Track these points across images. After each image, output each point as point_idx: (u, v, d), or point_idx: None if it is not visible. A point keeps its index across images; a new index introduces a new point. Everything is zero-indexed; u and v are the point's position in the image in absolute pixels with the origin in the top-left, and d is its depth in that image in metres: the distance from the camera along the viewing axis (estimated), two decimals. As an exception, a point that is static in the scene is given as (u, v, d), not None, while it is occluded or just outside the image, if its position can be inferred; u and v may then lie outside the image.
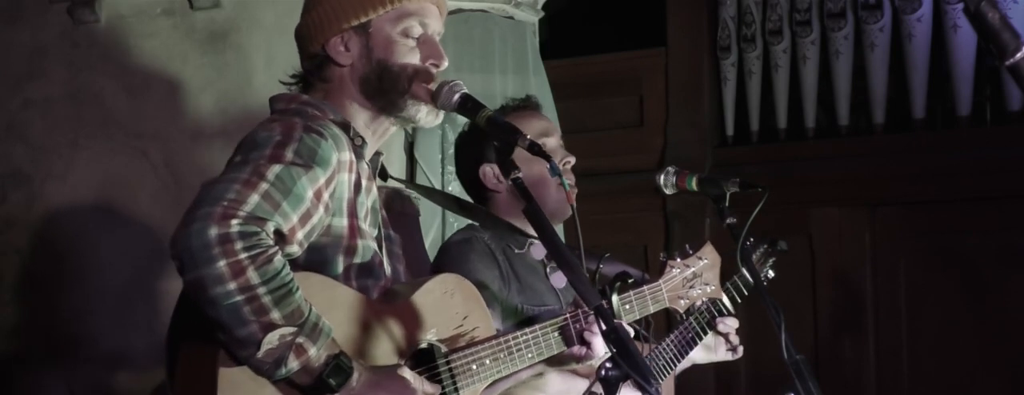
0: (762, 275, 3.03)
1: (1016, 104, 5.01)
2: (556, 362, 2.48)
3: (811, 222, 5.29)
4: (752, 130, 5.52)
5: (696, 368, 3.10)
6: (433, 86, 2.27)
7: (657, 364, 2.90)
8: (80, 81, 4.11)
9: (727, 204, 2.84)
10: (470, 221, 2.94)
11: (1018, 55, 1.58)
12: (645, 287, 2.57)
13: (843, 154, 5.28)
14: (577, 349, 2.38)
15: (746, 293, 3.01)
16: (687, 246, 2.74)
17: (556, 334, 2.35)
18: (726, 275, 2.92)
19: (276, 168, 2.06)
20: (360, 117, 2.30)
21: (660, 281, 2.61)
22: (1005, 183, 4.88)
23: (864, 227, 5.23)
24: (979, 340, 4.92)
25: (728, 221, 2.82)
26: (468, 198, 3.01)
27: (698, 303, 2.86)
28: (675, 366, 2.95)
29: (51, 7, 4.15)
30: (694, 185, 2.92)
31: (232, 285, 1.94)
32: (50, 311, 4.01)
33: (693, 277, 2.68)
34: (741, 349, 3.05)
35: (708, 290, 2.73)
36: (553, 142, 2.93)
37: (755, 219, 2.81)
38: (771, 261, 3.13)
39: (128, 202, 3.99)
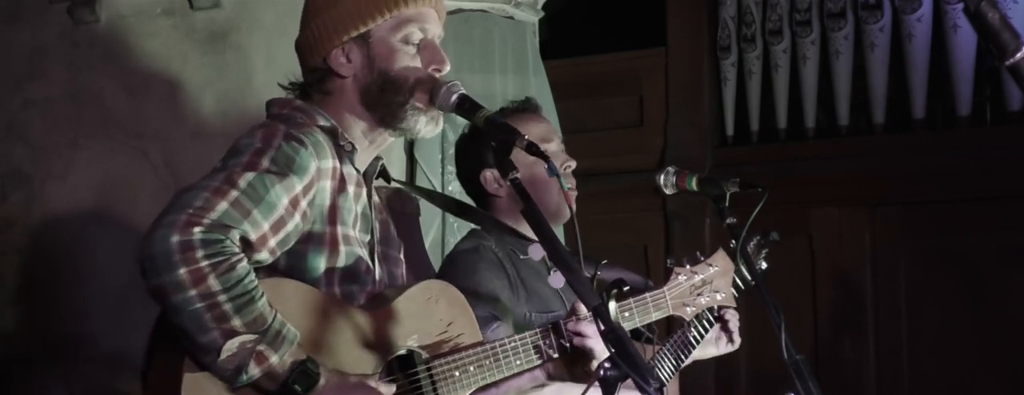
0: (756, 267, 3.03)
1: (1016, 104, 5.01)
2: (560, 373, 2.46)
3: (811, 222, 5.29)
4: (752, 130, 5.52)
5: (697, 368, 3.10)
6: (432, 91, 2.26)
7: (663, 366, 2.90)
8: (80, 81, 4.11)
9: (727, 204, 2.83)
10: (470, 223, 2.93)
11: (1018, 55, 1.58)
12: (647, 294, 2.54)
13: (843, 154, 5.28)
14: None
15: (742, 287, 3.01)
16: (698, 253, 2.71)
17: (544, 341, 2.34)
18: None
19: (249, 176, 2.07)
20: (357, 127, 2.30)
21: (664, 288, 2.58)
22: (1005, 183, 4.88)
23: (864, 227, 5.23)
24: (979, 340, 4.92)
25: (728, 221, 2.82)
26: (468, 199, 3.00)
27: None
28: (679, 365, 2.94)
29: (51, 7, 4.15)
30: (694, 185, 2.91)
31: (193, 292, 1.96)
32: (50, 311, 4.01)
33: (702, 284, 2.64)
34: (738, 339, 3.04)
35: (718, 298, 2.68)
36: (554, 146, 2.91)
37: (755, 219, 2.81)
38: (764, 253, 3.12)
39: (128, 202, 3.99)
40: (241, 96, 3.90)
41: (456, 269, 2.78)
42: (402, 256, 2.45)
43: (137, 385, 3.85)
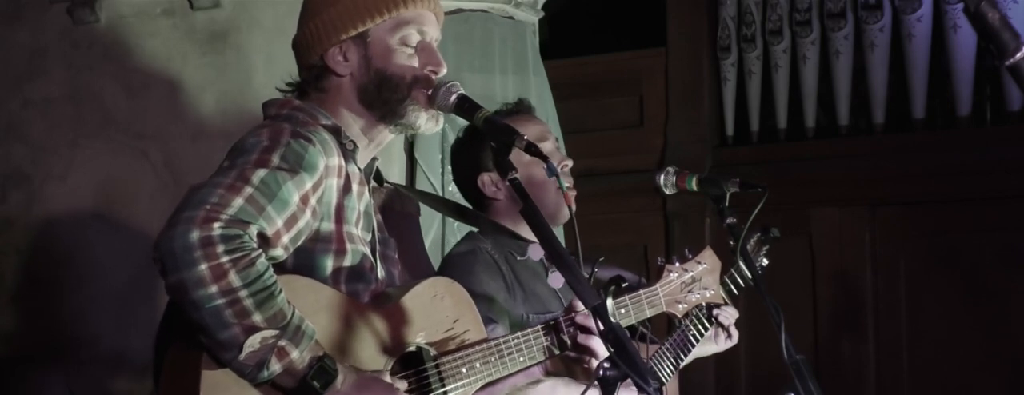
0: (757, 264, 3.03)
1: (1016, 104, 5.01)
2: (558, 370, 2.46)
3: (811, 222, 5.29)
4: (752, 130, 5.52)
5: (696, 368, 3.10)
6: (431, 91, 2.27)
7: (662, 366, 2.90)
8: (80, 81, 4.11)
9: (727, 204, 2.84)
10: (467, 225, 2.92)
11: (1018, 55, 1.58)
12: (641, 291, 2.55)
13: (843, 154, 5.28)
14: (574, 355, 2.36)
15: (743, 286, 3.01)
16: (686, 250, 2.73)
17: (547, 338, 2.35)
18: (723, 270, 2.92)
19: (261, 172, 2.07)
20: (355, 125, 2.31)
21: (657, 285, 2.60)
22: (1005, 183, 4.88)
23: (864, 227, 5.23)
24: (979, 340, 4.92)
25: (728, 221, 2.82)
26: (466, 202, 3.00)
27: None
28: (679, 364, 2.95)
29: (51, 7, 4.15)
30: (694, 185, 2.92)
31: (214, 288, 1.95)
32: (50, 311, 4.01)
33: (692, 282, 2.67)
34: (736, 334, 3.04)
35: (707, 295, 2.71)
36: (549, 145, 2.90)
37: (755, 219, 2.81)
38: (764, 249, 3.13)
39: (128, 202, 3.99)
40: (241, 96, 3.91)
41: (452, 271, 2.76)
42: (397, 256, 2.46)
43: (139, 384, 3.86)
